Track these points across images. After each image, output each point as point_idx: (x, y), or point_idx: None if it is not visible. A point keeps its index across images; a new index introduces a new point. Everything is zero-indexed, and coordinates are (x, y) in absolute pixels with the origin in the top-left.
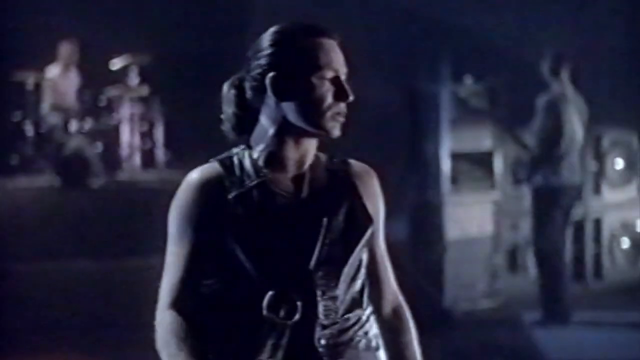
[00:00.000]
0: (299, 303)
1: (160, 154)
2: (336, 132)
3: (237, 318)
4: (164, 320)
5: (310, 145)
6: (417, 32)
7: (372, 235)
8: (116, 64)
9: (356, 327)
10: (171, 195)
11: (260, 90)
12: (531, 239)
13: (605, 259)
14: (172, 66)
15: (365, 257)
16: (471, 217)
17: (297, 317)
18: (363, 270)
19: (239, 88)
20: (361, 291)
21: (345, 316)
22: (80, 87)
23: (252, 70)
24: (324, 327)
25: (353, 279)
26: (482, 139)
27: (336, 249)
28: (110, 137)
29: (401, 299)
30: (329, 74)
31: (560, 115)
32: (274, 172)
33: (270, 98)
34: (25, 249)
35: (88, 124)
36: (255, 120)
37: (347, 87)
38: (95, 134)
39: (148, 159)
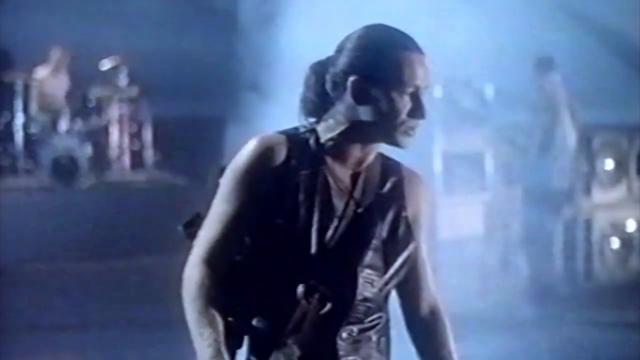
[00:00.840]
0: (329, 295)
1: (149, 154)
2: (406, 144)
3: (268, 291)
4: (194, 275)
5: (375, 148)
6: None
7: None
8: (105, 64)
9: (376, 329)
10: (160, 195)
11: (340, 86)
12: (523, 239)
13: (596, 259)
14: (161, 67)
15: (404, 270)
16: (463, 218)
17: (327, 308)
18: (398, 279)
19: (320, 75)
20: (387, 297)
21: (370, 318)
22: (70, 88)
23: (336, 66)
24: (350, 323)
25: (386, 284)
26: (473, 139)
27: (378, 255)
28: (100, 137)
29: (439, 300)
30: (410, 90)
31: (554, 117)
32: (334, 162)
33: (348, 97)
34: (14, 249)
35: (77, 124)
36: (328, 107)
37: (424, 105)
38: (84, 134)
39: (137, 159)
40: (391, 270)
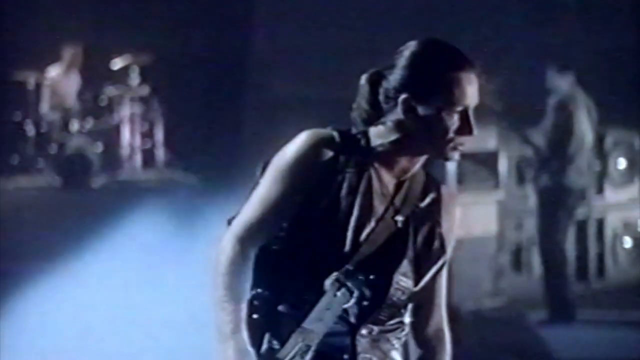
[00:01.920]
0: (355, 292)
1: (160, 153)
2: (455, 158)
3: (297, 280)
4: (227, 250)
5: (422, 159)
6: (420, 32)
7: None
8: (117, 63)
9: (396, 332)
10: (171, 194)
11: (391, 101)
12: (536, 239)
13: (608, 258)
14: (173, 66)
15: (432, 282)
16: (476, 217)
17: (351, 302)
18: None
19: (374, 85)
20: (407, 305)
21: (392, 321)
22: (81, 87)
23: (388, 81)
24: (372, 322)
25: (416, 295)
26: (487, 138)
27: (411, 265)
28: (111, 137)
29: (445, 323)
30: (459, 109)
31: (571, 116)
32: (381, 166)
33: (398, 112)
34: (25, 248)
35: (89, 123)
36: (380, 115)
37: (473, 122)
38: (95, 133)
39: (148, 158)
40: (422, 282)
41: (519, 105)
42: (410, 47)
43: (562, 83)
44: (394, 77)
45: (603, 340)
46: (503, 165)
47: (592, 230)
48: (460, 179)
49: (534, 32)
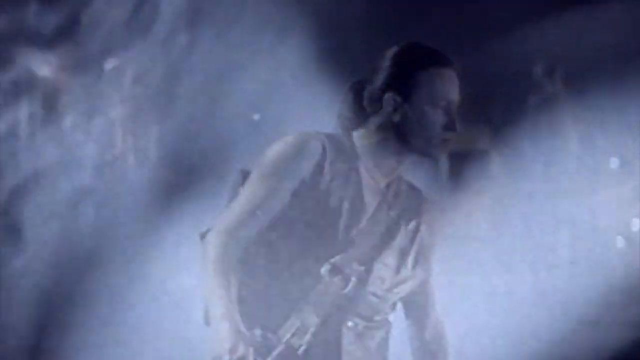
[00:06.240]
0: (353, 278)
1: (153, 154)
2: (439, 156)
3: (287, 269)
4: (216, 241)
5: (408, 158)
6: (411, 33)
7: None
8: (109, 63)
9: (379, 330)
10: (163, 194)
11: (376, 103)
12: (526, 239)
13: (600, 258)
14: (166, 66)
15: (414, 284)
16: (467, 217)
17: (350, 287)
18: (406, 291)
19: (358, 94)
20: (394, 305)
21: (377, 317)
22: (73, 87)
23: (373, 83)
24: (358, 315)
25: (394, 288)
26: (478, 138)
27: (393, 257)
28: (103, 137)
29: (443, 326)
30: (442, 104)
31: (553, 115)
32: (369, 164)
33: (384, 112)
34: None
35: (81, 123)
36: (362, 121)
37: (456, 118)
38: (88, 133)
39: (140, 159)
40: (401, 275)
41: (506, 104)
42: (392, 50)
43: (547, 82)
44: (378, 79)
45: (594, 340)
46: (494, 165)
47: (584, 230)
48: (452, 180)
49: (522, 30)
